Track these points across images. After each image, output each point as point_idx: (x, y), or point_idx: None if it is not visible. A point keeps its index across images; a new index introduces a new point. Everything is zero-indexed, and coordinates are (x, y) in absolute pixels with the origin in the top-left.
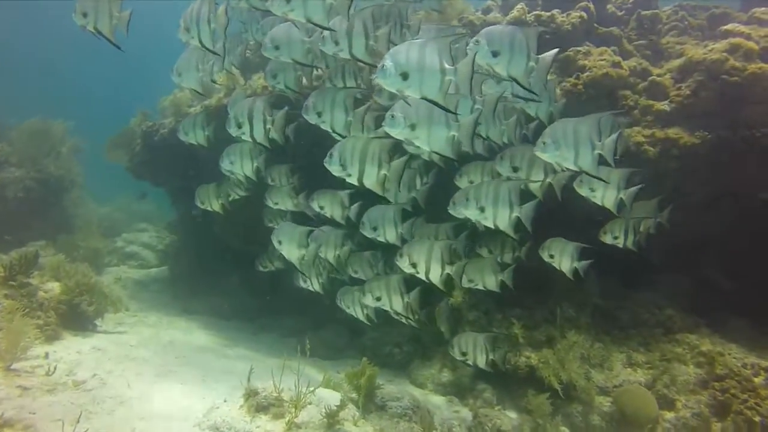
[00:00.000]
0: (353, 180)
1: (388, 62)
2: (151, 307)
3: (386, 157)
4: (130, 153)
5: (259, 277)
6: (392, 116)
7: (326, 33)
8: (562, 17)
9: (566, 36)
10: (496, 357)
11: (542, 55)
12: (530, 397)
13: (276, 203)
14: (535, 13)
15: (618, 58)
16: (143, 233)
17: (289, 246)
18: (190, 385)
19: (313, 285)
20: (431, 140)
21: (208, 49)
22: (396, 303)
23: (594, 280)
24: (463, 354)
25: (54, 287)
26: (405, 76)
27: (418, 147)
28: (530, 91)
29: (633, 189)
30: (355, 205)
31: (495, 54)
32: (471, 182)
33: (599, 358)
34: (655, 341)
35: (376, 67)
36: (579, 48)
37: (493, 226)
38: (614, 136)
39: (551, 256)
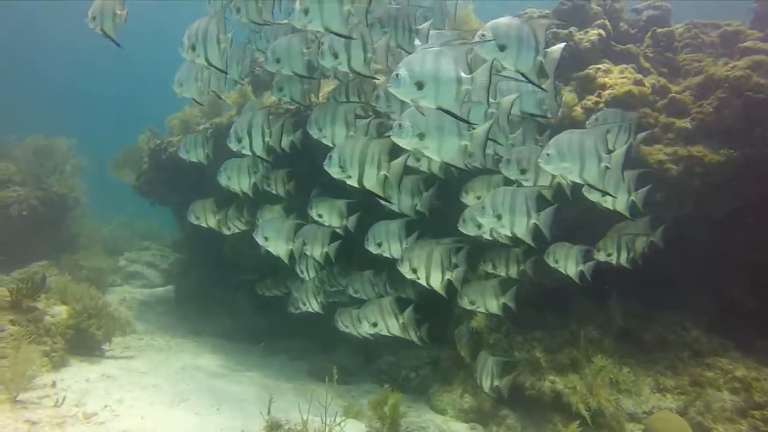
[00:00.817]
0: (353, 182)
1: (402, 71)
2: (157, 329)
3: (386, 157)
4: (137, 171)
5: (266, 298)
6: (400, 125)
7: (324, 47)
8: (580, 35)
9: (584, 54)
10: (501, 383)
11: (550, 49)
12: (558, 425)
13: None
14: (552, 30)
15: (639, 76)
16: (146, 252)
17: (276, 242)
18: (205, 416)
19: (312, 306)
20: (442, 150)
21: (216, 67)
22: (392, 326)
23: (617, 300)
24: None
25: (61, 311)
26: (420, 86)
27: (419, 160)
28: (538, 86)
29: (643, 190)
30: (354, 216)
31: (502, 48)
32: (477, 198)
33: (627, 383)
34: (683, 364)
35: (375, 79)
36: (599, 65)
37: (510, 234)
38: (622, 149)
39: (556, 261)
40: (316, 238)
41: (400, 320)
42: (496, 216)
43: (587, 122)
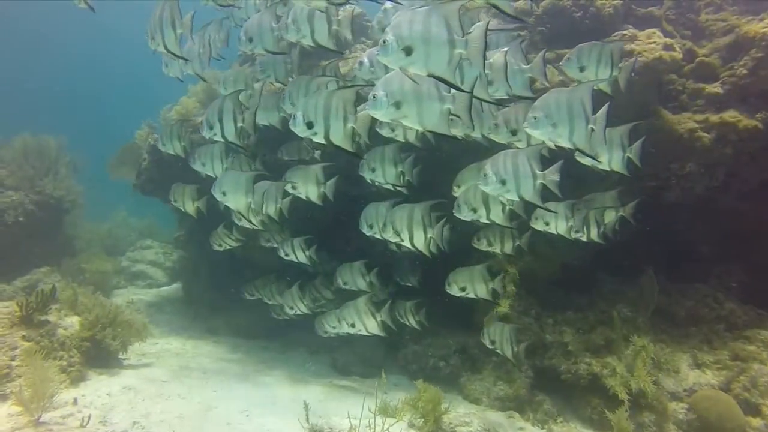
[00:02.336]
0: (320, 138)
1: (389, 36)
2: (170, 331)
3: (351, 108)
4: (136, 169)
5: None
6: (374, 96)
7: (288, 20)
8: (602, 0)
9: (607, 20)
10: (519, 349)
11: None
12: (597, 408)
13: (239, 219)
14: None
15: (670, 40)
16: (148, 250)
17: (234, 195)
18: (237, 426)
19: (301, 308)
20: (422, 118)
21: (174, 54)
22: (370, 325)
23: (653, 278)
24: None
25: (74, 322)
26: (408, 51)
27: (395, 130)
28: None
29: (638, 144)
30: (332, 180)
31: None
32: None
33: (668, 363)
34: (719, 338)
35: (340, 53)
36: (624, 32)
37: (518, 198)
38: (604, 109)
39: (546, 224)
40: (270, 194)
41: (378, 318)
42: (501, 182)
43: (566, 56)
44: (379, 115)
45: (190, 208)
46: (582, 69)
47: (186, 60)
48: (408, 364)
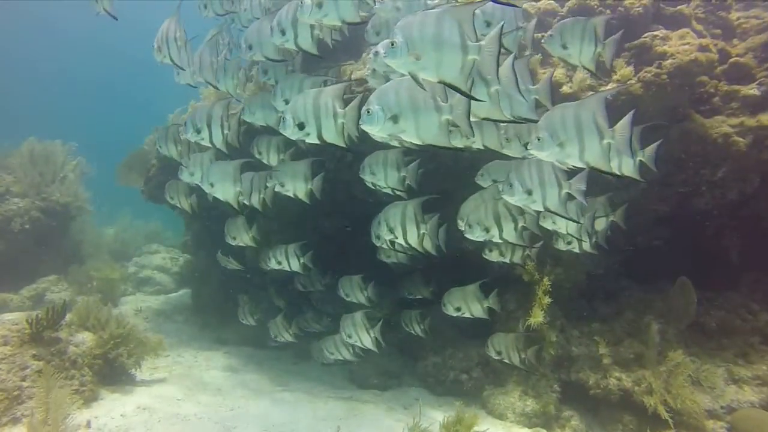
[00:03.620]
0: (313, 138)
1: (398, 38)
2: (180, 342)
3: (340, 104)
4: (145, 176)
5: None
6: (368, 111)
7: (273, 24)
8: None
9: (637, 20)
10: (528, 354)
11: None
12: (629, 426)
13: (234, 237)
14: None
15: (706, 40)
16: (155, 255)
17: (222, 185)
18: None
19: (285, 337)
20: (420, 130)
21: (177, 65)
22: (365, 339)
23: (690, 287)
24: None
25: (85, 339)
26: (418, 56)
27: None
28: None
29: (652, 147)
30: (319, 176)
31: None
32: (494, 181)
33: (709, 380)
34: (756, 352)
35: (321, 58)
36: (655, 32)
37: (542, 209)
38: (626, 119)
39: (554, 222)
40: (254, 184)
41: (372, 334)
42: (527, 192)
43: (548, 33)
44: (375, 130)
45: (185, 204)
46: (565, 46)
47: (182, 69)
48: (428, 376)
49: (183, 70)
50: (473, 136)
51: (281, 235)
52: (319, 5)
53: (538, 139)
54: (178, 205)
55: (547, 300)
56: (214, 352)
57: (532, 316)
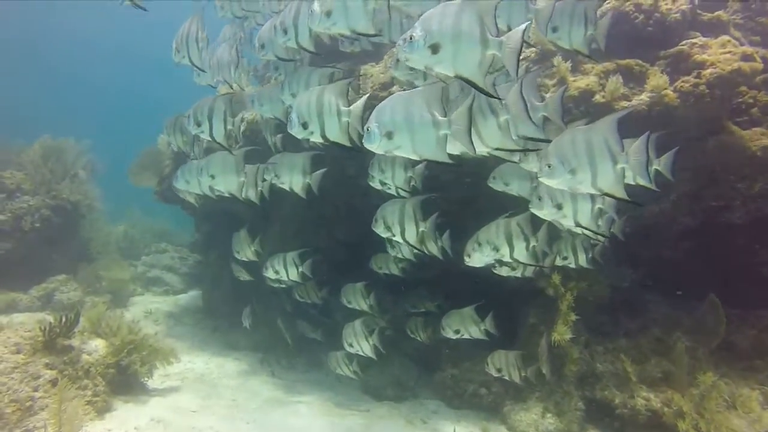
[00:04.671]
0: (317, 137)
1: (417, 30)
2: (192, 346)
3: (344, 102)
4: (158, 175)
5: (301, 307)
6: (368, 129)
7: (276, 23)
8: (668, 4)
9: (674, 27)
10: (528, 373)
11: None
12: None
13: (238, 252)
14: (633, 1)
15: (749, 49)
16: (163, 254)
17: (224, 177)
18: None
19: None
20: (417, 147)
21: (197, 67)
22: (364, 347)
23: (719, 306)
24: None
25: (98, 346)
26: (435, 49)
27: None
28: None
29: (668, 155)
30: (319, 171)
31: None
32: (506, 184)
33: (748, 406)
34: None
35: (319, 55)
36: (693, 40)
37: (574, 224)
38: (643, 139)
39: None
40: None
41: (371, 341)
42: (556, 206)
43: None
44: (373, 148)
45: (191, 197)
46: (555, 29)
47: (202, 70)
48: (445, 389)
49: (203, 71)
50: (474, 153)
51: (295, 240)
52: (328, 14)
53: (549, 167)
54: (188, 199)
55: (573, 316)
56: (226, 358)
57: (556, 332)
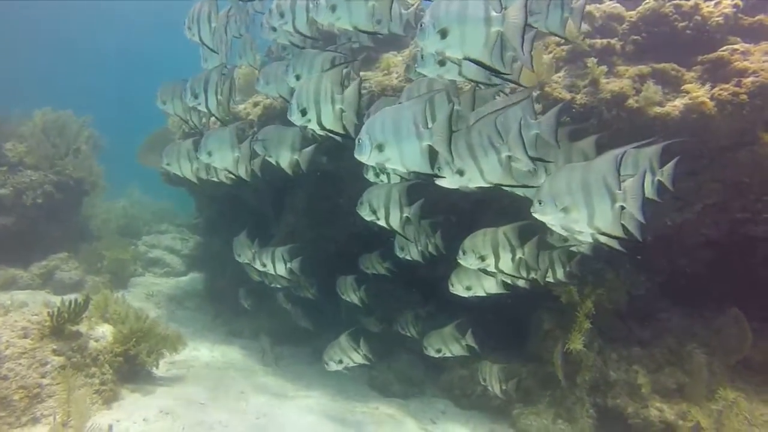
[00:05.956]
0: (313, 124)
1: (426, 18)
2: (195, 332)
3: (338, 89)
4: None
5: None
6: (359, 141)
7: (272, 6)
8: (710, 7)
9: (712, 30)
10: (508, 386)
11: None
12: None
13: (239, 255)
14: (674, 2)
15: None
16: (164, 235)
17: (220, 152)
18: None
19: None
20: (405, 159)
21: (207, 46)
22: (355, 358)
23: (743, 319)
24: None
25: (105, 333)
26: (444, 33)
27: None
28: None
29: (670, 165)
30: (309, 148)
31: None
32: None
33: (761, 422)
34: None
35: (318, 40)
36: (734, 45)
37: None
38: (638, 178)
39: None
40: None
41: (360, 352)
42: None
43: None
44: (364, 159)
45: (187, 170)
46: (530, 14)
47: (215, 52)
48: (453, 388)
49: (215, 52)
50: (453, 164)
51: (311, 232)
52: (333, 8)
53: (540, 203)
54: (179, 173)
55: (587, 325)
56: (230, 346)
57: (571, 342)
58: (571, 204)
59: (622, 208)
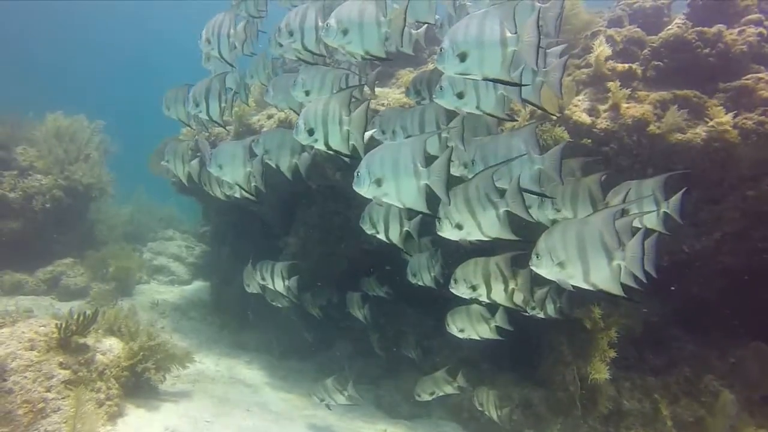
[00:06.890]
0: (320, 145)
1: (445, 43)
2: (200, 344)
3: (346, 111)
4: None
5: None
6: (358, 174)
7: (282, 24)
8: (733, 35)
9: (736, 57)
10: (502, 413)
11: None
12: None
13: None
14: (697, 29)
15: None
16: (170, 242)
17: (231, 167)
18: None
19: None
20: (401, 195)
21: (226, 60)
22: (339, 400)
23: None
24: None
25: (113, 346)
26: (463, 57)
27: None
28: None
29: (677, 196)
30: (307, 153)
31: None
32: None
33: None
34: None
35: (325, 57)
36: (759, 75)
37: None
38: (638, 237)
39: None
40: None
41: (348, 392)
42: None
43: None
44: (362, 192)
45: (181, 171)
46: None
47: (233, 66)
48: (461, 411)
49: (232, 66)
50: (449, 204)
51: (322, 247)
52: (345, 32)
53: (537, 257)
54: (173, 170)
55: (612, 353)
56: (235, 360)
57: (593, 369)
58: (566, 259)
59: (620, 266)
